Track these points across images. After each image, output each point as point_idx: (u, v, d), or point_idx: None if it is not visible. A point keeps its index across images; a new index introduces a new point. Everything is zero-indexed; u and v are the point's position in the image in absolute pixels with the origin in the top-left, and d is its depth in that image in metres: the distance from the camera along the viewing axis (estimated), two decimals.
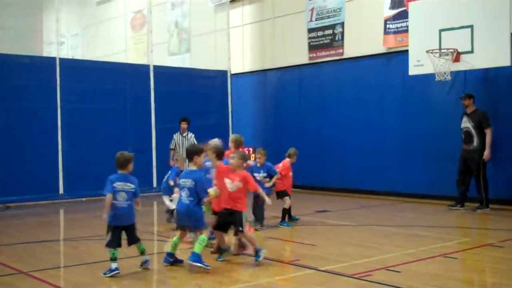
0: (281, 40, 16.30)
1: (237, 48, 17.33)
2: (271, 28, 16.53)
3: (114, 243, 6.42)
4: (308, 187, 14.64)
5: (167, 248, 6.92)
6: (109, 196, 6.43)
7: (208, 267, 6.48)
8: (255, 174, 9.26)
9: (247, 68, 17.36)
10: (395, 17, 13.37)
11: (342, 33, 14.60)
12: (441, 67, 10.89)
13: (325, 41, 15.03)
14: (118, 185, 6.47)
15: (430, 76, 11.36)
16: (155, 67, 15.48)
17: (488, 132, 11.01)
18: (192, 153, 6.90)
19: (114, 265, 6.36)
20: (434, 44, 11.01)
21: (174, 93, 15.48)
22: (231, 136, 9.53)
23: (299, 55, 15.66)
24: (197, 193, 6.66)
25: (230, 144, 9.23)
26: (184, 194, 6.70)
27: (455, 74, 11.58)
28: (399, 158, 13.17)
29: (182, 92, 15.66)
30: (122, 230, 6.53)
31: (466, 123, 11.29)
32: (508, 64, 10.28)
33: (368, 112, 13.92)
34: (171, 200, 9.87)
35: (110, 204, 6.42)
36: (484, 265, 6.90)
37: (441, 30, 11.01)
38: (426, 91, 12.64)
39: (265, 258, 6.97)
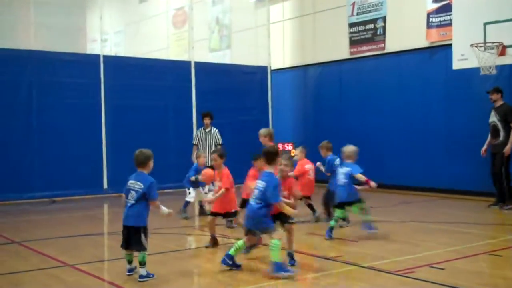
0: (321, 35, 16.21)
1: (277, 43, 17.32)
2: (312, 23, 16.46)
3: (123, 244, 6.19)
4: None
5: (230, 250, 6.44)
6: (123, 195, 6.32)
7: (294, 272, 6.13)
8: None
9: (287, 64, 17.33)
10: (438, 11, 13.14)
11: (384, 27, 14.44)
12: (486, 61, 10.67)
13: (366, 36, 14.88)
14: (131, 183, 6.26)
15: (475, 70, 11.14)
16: (196, 63, 15.60)
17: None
18: (272, 155, 6.47)
19: (142, 270, 6.05)
20: (478, 37, 10.78)
21: (215, 89, 15.58)
22: (264, 130, 9.62)
23: (339, 50, 15.55)
24: (267, 197, 6.23)
25: (264, 139, 9.36)
26: (253, 196, 6.37)
27: (500, 68, 11.31)
28: (441, 154, 12.97)
29: (223, 88, 15.76)
30: (128, 230, 6.16)
31: (493, 117, 11.07)
32: None
33: (410, 107, 13.74)
34: (189, 193, 10.26)
35: (123, 203, 6.29)
36: None
37: (485, 23, 10.77)
38: (470, 86, 12.38)
39: (308, 254, 6.97)
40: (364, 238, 8.14)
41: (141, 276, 6.03)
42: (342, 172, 8.46)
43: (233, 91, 15.92)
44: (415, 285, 5.78)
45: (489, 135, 11.14)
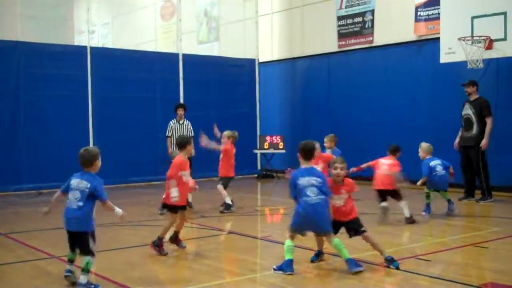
0: (310, 28, 16.20)
1: (265, 36, 17.30)
2: (300, 16, 16.45)
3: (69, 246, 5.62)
4: None
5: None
6: (58, 193, 5.76)
7: (361, 267, 5.94)
8: None
9: (275, 57, 17.32)
10: (426, 4, 13.18)
11: (372, 21, 14.46)
12: (473, 54, 10.73)
13: (354, 29, 14.90)
14: (74, 182, 5.63)
15: (462, 64, 11.19)
16: (184, 55, 15.55)
17: (489, 121, 10.84)
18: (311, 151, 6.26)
19: (82, 278, 5.32)
20: (466, 31, 10.83)
21: (203, 81, 15.56)
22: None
23: (328, 43, 15.56)
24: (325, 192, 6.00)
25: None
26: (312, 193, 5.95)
27: (488, 62, 11.38)
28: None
29: (211, 80, 15.74)
30: (72, 235, 5.59)
31: (467, 110, 11.12)
32: None
33: (398, 100, 13.79)
34: None
35: (53, 202, 5.72)
36: None
37: (473, 17, 10.82)
38: (457, 79, 12.41)
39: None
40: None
41: (79, 285, 5.32)
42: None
43: (221, 84, 15.90)
44: (402, 276, 5.81)
45: (461, 128, 11.18)
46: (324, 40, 15.69)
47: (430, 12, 13.06)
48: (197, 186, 7.33)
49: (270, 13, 17.36)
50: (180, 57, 15.46)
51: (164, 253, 6.82)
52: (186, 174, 7.04)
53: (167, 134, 12.94)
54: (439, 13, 11.92)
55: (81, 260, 5.54)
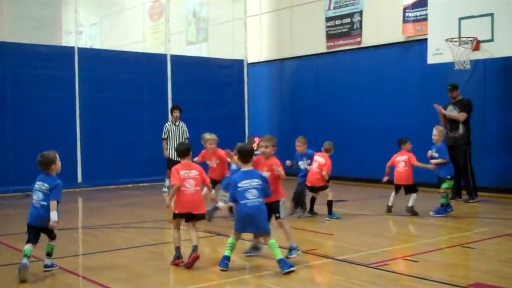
0: (298, 29, 16.21)
1: (254, 37, 17.29)
2: (289, 17, 16.45)
3: (29, 240, 6.05)
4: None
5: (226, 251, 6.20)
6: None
7: (293, 267, 5.97)
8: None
9: (264, 57, 17.31)
10: (414, 6, 13.23)
11: (361, 22, 14.49)
12: (461, 55, 10.76)
13: (343, 30, 14.93)
14: (37, 184, 6.20)
15: (449, 65, 11.23)
16: (172, 56, 15.50)
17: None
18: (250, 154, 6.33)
19: (47, 260, 6.16)
20: (453, 32, 10.86)
21: (191, 82, 15.51)
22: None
23: (317, 44, 15.57)
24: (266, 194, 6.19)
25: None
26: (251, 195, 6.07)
27: (475, 63, 11.44)
28: (417, 147, 13.02)
29: (199, 81, 15.69)
30: (37, 230, 6.09)
31: (452, 111, 11.24)
32: None
33: (386, 101, 13.83)
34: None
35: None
36: (503, 255, 6.83)
37: (460, 18, 10.86)
38: (445, 80, 12.47)
39: (280, 247, 6.97)
40: (340, 230, 8.18)
41: (46, 266, 6.16)
42: None
43: (209, 85, 15.86)
44: (389, 277, 5.81)
45: (447, 129, 11.25)
46: (312, 41, 15.70)
47: (418, 13, 13.11)
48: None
49: (258, 14, 17.35)
50: (169, 58, 15.41)
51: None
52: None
53: (163, 136, 12.95)
54: (427, 14, 11.95)
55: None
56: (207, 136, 9.36)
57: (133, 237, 7.82)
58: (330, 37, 15.26)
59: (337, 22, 15.04)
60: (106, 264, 6.54)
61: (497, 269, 6.19)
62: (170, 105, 15.16)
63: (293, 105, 16.30)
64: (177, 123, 12.99)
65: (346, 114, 14.72)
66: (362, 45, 14.51)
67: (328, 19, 15.28)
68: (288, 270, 5.89)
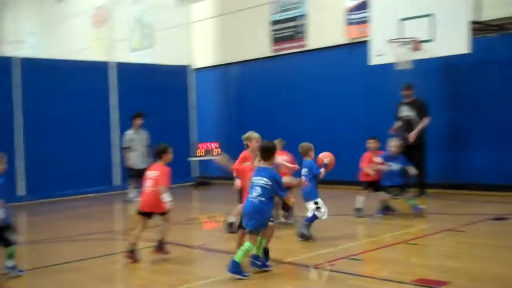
0: (244, 33, 16.21)
1: (199, 42, 17.20)
2: (234, 21, 16.43)
3: None
4: None
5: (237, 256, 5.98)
6: None
7: (247, 276, 5.85)
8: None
9: (210, 63, 17.23)
10: (356, 8, 13.39)
11: (305, 25, 14.58)
12: (402, 56, 10.93)
13: (288, 33, 14.99)
14: None
15: (392, 66, 11.40)
16: (117, 63, 15.25)
17: (426, 120, 11.32)
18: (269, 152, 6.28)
19: (8, 262, 6.23)
20: (394, 33, 11.03)
21: (137, 90, 15.27)
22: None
23: (262, 48, 15.59)
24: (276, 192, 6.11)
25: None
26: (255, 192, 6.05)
27: (416, 63, 11.62)
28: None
29: (145, 88, 15.46)
30: None
31: (407, 112, 11.49)
32: (467, 51, 10.35)
33: (332, 103, 13.94)
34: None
35: None
36: (445, 250, 6.94)
37: (401, 20, 11.03)
38: (388, 81, 12.65)
39: (226, 252, 6.93)
40: (287, 234, 8.16)
41: (7, 268, 6.20)
42: None
43: (155, 91, 15.66)
44: (335, 277, 5.82)
45: (402, 129, 11.45)
46: (258, 45, 15.72)
47: (360, 15, 13.27)
48: None
49: (203, 19, 17.26)
50: (113, 65, 15.16)
51: (137, 260, 6.75)
52: None
53: (124, 145, 12.66)
54: (369, 16, 12.10)
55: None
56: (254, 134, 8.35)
57: (78, 250, 7.61)
58: (275, 40, 15.31)
59: (282, 25, 15.10)
60: (52, 279, 6.33)
61: (439, 263, 6.27)
62: (117, 113, 14.93)
63: (240, 109, 16.27)
64: (138, 131, 12.79)
65: (293, 117, 14.77)
66: (306, 48, 14.61)
67: (272, 23, 15.33)
68: (231, 273, 5.78)
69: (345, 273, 5.88)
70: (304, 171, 7.78)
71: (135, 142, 12.73)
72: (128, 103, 14.78)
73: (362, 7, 13.18)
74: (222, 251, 7.11)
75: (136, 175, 12.30)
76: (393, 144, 9.49)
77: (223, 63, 16.81)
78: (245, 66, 16.13)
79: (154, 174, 6.84)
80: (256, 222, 6.01)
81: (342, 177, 13.39)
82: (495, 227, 8.24)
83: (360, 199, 9.32)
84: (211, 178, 15.89)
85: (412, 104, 11.49)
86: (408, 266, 6.22)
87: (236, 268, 5.82)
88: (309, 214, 7.61)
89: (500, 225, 8.31)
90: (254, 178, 6.18)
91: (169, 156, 7.03)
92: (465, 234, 7.70)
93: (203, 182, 16.03)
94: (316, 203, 7.50)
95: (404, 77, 12.16)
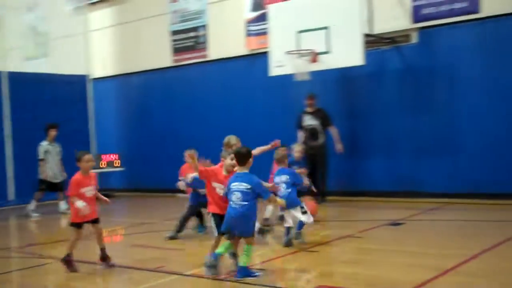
0: (144, 43, 16.00)
1: (98, 51, 16.80)
2: (134, 30, 16.19)
3: None
4: (175, 190, 14.42)
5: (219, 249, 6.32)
6: None
7: (258, 275, 6.02)
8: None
9: (109, 72, 16.87)
10: (256, 20, 13.58)
11: (206, 36, 14.60)
12: (300, 67, 11.19)
13: (189, 44, 14.96)
14: None
15: (291, 77, 11.63)
16: (10, 73, 14.57)
17: (335, 129, 11.80)
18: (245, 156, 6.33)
19: None
20: (293, 45, 11.28)
21: (32, 100, 14.66)
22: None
23: (163, 58, 15.46)
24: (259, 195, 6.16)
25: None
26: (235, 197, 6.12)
27: (315, 74, 11.94)
28: (266, 157, 13.32)
29: (40, 98, 14.85)
30: None
31: (311, 121, 11.85)
32: (361, 63, 10.75)
33: (234, 113, 14.04)
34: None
35: None
36: (344, 256, 7.13)
37: (299, 32, 11.30)
38: (288, 91, 12.92)
39: (126, 267, 6.77)
40: (189, 244, 8.09)
41: None
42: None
43: (52, 102, 15.04)
44: (236, 287, 5.83)
45: (306, 138, 11.71)
46: (159, 55, 15.57)
47: (260, 27, 13.47)
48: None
49: (102, 27, 16.89)
50: (5, 75, 14.46)
51: (74, 268, 6.72)
52: (89, 189, 6.83)
53: (40, 157, 12.33)
54: (268, 28, 12.29)
55: None
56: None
57: None
58: (176, 51, 15.22)
59: (183, 36, 15.05)
60: None
61: (339, 270, 6.44)
62: (9, 125, 14.25)
63: (142, 120, 16.02)
64: (53, 143, 12.37)
65: (195, 127, 14.72)
66: (208, 59, 14.63)
67: (173, 32, 15.24)
68: (240, 278, 5.95)
69: (245, 283, 5.89)
70: (285, 178, 7.74)
71: (50, 154, 12.43)
72: (22, 114, 14.16)
73: (261, 18, 13.38)
74: (126, 266, 6.93)
75: (48, 188, 12.42)
76: (297, 150, 9.66)
77: (123, 73, 16.50)
78: (147, 76, 15.92)
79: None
80: (244, 228, 6.09)
81: None
82: (391, 232, 8.57)
83: (269, 208, 9.37)
84: (114, 190, 15.51)
85: (315, 114, 11.83)
86: (308, 274, 6.33)
87: (245, 272, 5.99)
88: (296, 221, 7.59)
89: (395, 230, 8.64)
90: (232, 184, 6.18)
91: (83, 164, 6.80)
92: (363, 240, 7.96)
93: (105, 195, 15.55)
94: (302, 207, 7.49)
95: (303, 87, 12.49)
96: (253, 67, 13.69)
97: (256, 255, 7.29)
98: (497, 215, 9.48)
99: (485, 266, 6.11)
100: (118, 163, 15.36)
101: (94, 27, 16.79)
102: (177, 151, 14.16)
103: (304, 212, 7.46)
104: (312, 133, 11.78)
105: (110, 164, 15.33)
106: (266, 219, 9.16)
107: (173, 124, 15.22)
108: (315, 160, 11.73)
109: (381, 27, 11.59)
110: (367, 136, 12.21)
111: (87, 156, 6.87)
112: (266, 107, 13.47)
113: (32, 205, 12.35)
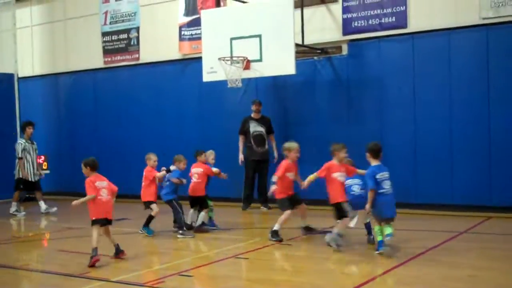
0: (74, 43, 15.64)
1: (26, 50, 16.29)
2: (63, 30, 15.79)
3: None
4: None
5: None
6: None
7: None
8: None
9: (37, 72, 16.37)
10: (189, 24, 13.54)
11: (138, 38, 14.44)
12: (233, 74, 11.21)
13: (120, 46, 14.74)
14: None
15: (224, 83, 11.65)
16: None
17: (273, 137, 12.01)
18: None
19: None
20: (226, 52, 11.26)
21: None
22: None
23: (93, 59, 15.16)
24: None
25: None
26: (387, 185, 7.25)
27: (247, 81, 12.03)
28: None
29: None
30: None
31: (257, 127, 11.97)
32: (293, 72, 10.86)
33: (166, 118, 13.90)
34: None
35: None
36: (273, 264, 7.23)
37: (232, 39, 11.28)
38: (221, 98, 12.96)
39: (52, 273, 6.60)
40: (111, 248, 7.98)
41: None
42: None
43: None
44: None
45: (253, 144, 11.90)
46: (89, 55, 15.26)
47: (193, 32, 13.44)
48: None
49: (30, 25, 16.39)
50: None
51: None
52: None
53: (19, 156, 12.24)
54: (201, 33, 12.27)
55: None
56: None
57: None
58: (107, 52, 14.96)
59: (114, 37, 14.81)
60: None
61: (268, 277, 6.51)
62: None
63: (71, 121, 15.60)
64: (30, 141, 12.40)
65: (126, 130, 14.49)
66: (140, 62, 14.46)
67: (104, 34, 14.97)
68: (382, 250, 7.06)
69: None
70: (357, 180, 8.06)
71: (27, 152, 12.43)
72: None
73: (193, 24, 13.35)
74: (52, 272, 6.76)
75: (26, 188, 12.59)
76: (212, 157, 9.90)
77: (52, 73, 16.06)
78: (76, 77, 15.53)
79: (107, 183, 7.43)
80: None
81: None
82: (316, 240, 8.70)
83: (202, 214, 9.36)
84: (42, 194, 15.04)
85: (261, 120, 12.00)
86: (237, 280, 6.39)
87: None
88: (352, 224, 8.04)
89: (319, 238, 8.78)
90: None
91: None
92: (291, 247, 8.07)
93: (30, 198, 15.07)
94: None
95: (236, 94, 12.58)
96: (186, 72, 13.63)
97: (184, 261, 7.29)
98: (425, 224, 9.70)
99: (410, 273, 6.33)
100: (45, 166, 14.90)
101: (23, 25, 16.27)
102: (106, 154, 14.00)
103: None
104: (260, 139, 11.92)
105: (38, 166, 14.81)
106: (201, 225, 9.21)
107: (103, 127, 14.93)
108: (260, 166, 11.93)
109: (313, 37, 11.79)
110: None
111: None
112: (199, 112, 13.44)
113: (13, 207, 12.40)
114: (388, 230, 7.05)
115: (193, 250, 8.11)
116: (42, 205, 12.55)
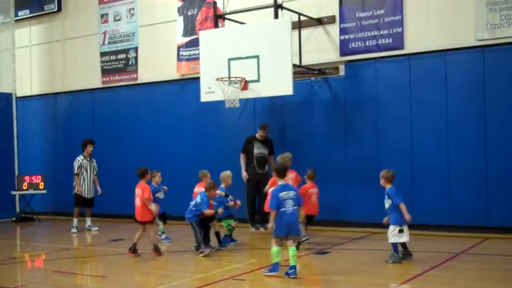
0: (72, 62, 15.71)
1: (24, 69, 16.36)
2: (62, 49, 15.87)
3: None
4: (105, 215, 14.18)
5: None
6: None
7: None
8: None
9: (35, 91, 16.42)
10: (187, 45, 13.63)
11: (136, 58, 14.52)
12: (230, 94, 11.25)
13: (118, 66, 14.81)
14: None
15: (222, 103, 11.68)
16: None
17: (273, 159, 11.93)
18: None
19: None
20: (223, 72, 11.31)
21: None
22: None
23: (92, 78, 15.22)
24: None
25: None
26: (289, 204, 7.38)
27: (245, 102, 12.08)
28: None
29: None
30: None
31: (261, 149, 11.98)
32: (291, 93, 10.90)
33: (164, 138, 13.94)
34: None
35: None
36: (271, 284, 7.19)
37: (230, 59, 11.33)
38: (219, 118, 13.00)
39: None
40: (114, 272, 7.93)
41: None
42: None
43: None
44: None
45: (255, 165, 11.88)
46: (87, 75, 15.32)
47: (191, 52, 13.52)
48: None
49: (28, 45, 16.48)
50: None
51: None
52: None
53: (75, 172, 12.54)
54: (199, 53, 12.33)
55: None
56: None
57: None
58: (105, 72, 15.03)
59: (112, 57, 14.89)
60: None
61: None
62: None
63: (68, 141, 15.57)
64: (88, 158, 12.60)
65: (124, 150, 14.51)
66: (138, 81, 14.52)
67: (102, 54, 15.06)
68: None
69: None
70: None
71: (84, 169, 12.68)
72: None
73: (192, 44, 13.45)
74: None
75: (81, 203, 12.75)
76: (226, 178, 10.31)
77: (50, 92, 16.11)
78: (74, 97, 15.59)
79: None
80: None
81: (172, 212, 13.42)
82: (319, 260, 8.67)
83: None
84: (37, 213, 15.03)
85: (265, 142, 12.02)
86: None
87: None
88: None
89: (323, 258, 8.77)
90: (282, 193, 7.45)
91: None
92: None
93: (26, 218, 15.05)
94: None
95: (233, 114, 12.61)
96: (184, 92, 13.68)
97: (181, 283, 7.25)
98: (423, 245, 9.63)
99: None
100: (42, 185, 14.89)
101: (21, 44, 16.35)
102: (104, 174, 13.99)
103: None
104: (263, 161, 11.94)
105: (32, 186, 14.82)
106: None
107: (100, 147, 14.88)
108: (259, 187, 11.84)
109: (311, 58, 11.87)
110: (294, 165, 12.33)
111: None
112: (197, 131, 13.47)
113: (74, 222, 12.59)
114: (291, 254, 7.30)
115: (189, 271, 8.06)
116: (88, 222, 12.83)
